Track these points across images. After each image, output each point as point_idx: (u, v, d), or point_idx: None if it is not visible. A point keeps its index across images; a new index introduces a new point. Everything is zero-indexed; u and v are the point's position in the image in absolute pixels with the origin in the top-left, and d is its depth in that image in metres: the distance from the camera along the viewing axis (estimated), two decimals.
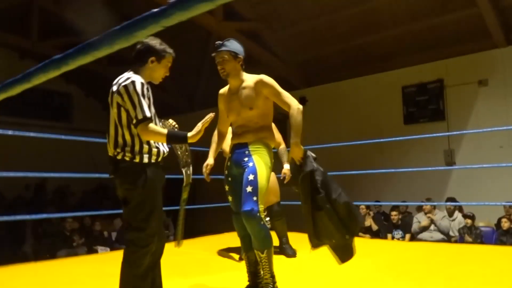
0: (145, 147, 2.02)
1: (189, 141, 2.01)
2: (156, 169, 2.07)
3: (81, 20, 9.11)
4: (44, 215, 3.95)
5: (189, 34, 8.70)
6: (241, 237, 2.48)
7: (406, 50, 7.82)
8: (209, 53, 8.88)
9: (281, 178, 3.66)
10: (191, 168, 2.41)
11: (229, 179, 2.46)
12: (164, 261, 3.50)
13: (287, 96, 2.39)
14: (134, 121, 1.95)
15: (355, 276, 2.88)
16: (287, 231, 3.71)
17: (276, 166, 3.76)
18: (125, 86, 1.96)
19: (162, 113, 2.45)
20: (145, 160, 2.01)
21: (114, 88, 2.00)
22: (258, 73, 2.47)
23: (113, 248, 6.00)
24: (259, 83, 2.37)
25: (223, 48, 2.39)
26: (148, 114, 1.96)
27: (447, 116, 7.40)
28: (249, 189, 2.25)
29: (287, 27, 8.27)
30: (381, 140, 5.70)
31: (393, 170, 5.47)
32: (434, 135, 5.54)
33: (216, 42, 2.43)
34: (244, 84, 2.40)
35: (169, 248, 4.29)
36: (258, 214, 2.23)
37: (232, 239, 4.08)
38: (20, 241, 6.75)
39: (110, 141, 2.04)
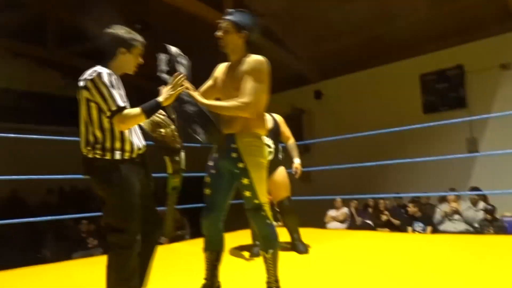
0: (117, 143, 1.93)
1: (164, 104, 1.95)
2: (131, 165, 1.97)
3: (95, 26, 9.25)
4: (50, 217, 3.90)
5: (201, 35, 8.66)
6: (206, 236, 2.32)
7: (423, 37, 7.56)
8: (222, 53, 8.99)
9: (293, 172, 3.58)
10: (182, 154, 2.21)
11: (213, 171, 2.28)
12: (172, 261, 3.48)
13: (250, 89, 2.11)
14: (108, 113, 1.87)
15: (371, 272, 2.74)
16: (298, 227, 3.59)
17: (286, 161, 3.69)
18: (92, 80, 1.88)
19: None
20: (117, 156, 1.92)
21: (81, 83, 1.91)
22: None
23: None
24: (250, 63, 2.17)
25: (229, 17, 2.22)
26: (121, 103, 1.88)
27: (468, 104, 7.12)
28: (247, 193, 2.17)
29: (300, 21, 8.14)
30: (400, 129, 5.47)
31: (411, 160, 5.26)
32: (456, 120, 5.27)
33: (228, 10, 2.27)
34: (241, 61, 2.20)
35: (181, 247, 4.27)
36: (263, 213, 2.17)
37: (244, 237, 4.01)
38: (40, 245, 6.87)
39: (81, 140, 1.95)
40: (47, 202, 10.07)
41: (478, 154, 6.71)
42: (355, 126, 7.69)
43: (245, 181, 2.15)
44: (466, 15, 6.95)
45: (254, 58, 2.20)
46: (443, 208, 5.58)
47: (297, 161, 3.61)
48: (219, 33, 2.24)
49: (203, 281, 2.32)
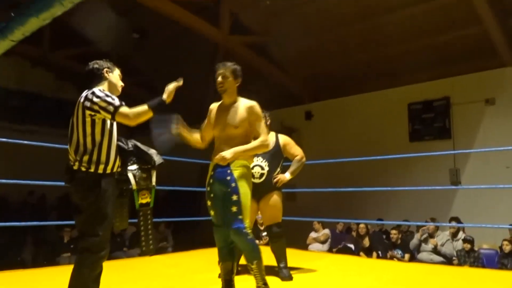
0: (102, 157, 2.14)
1: (167, 101, 2.29)
2: (110, 179, 2.20)
3: (91, 30, 9.28)
4: (34, 223, 3.89)
5: (197, 47, 8.79)
6: (219, 248, 2.62)
7: (412, 67, 7.79)
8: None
9: (273, 181, 3.50)
10: (153, 172, 2.48)
11: (211, 195, 2.60)
12: (156, 273, 3.50)
13: (263, 129, 2.64)
14: (109, 116, 2.10)
15: None
16: (285, 253, 3.42)
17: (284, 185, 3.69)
18: (92, 93, 2.12)
19: None
20: (100, 171, 2.13)
21: (82, 99, 2.14)
22: (252, 96, 2.70)
23: (110, 257, 5.97)
24: (250, 108, 2.60)
25: (228, 65, 2.63)
26: (117, 103, 2.11)
27: (453, 135, 7.31)
28: (234, 209, 2.45)
29: (293, 42, 8.29)
30: (386, 157, 5.62)
31: (395, 188, 5.39)
32: (440, 153, 5.43)
33: (220, 63, 2.67)
34: (236, 104, 2.63)
35: (163, 260, 4.28)
36: (244, 230, 2.44)
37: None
38: (20, 247, 6.76)
39: (71, 147, 2.15)
40: (29, 203, 9.93)
41: (460, 187, 6.86)
42: (343, 149, 7.83)
43: (234, 197, 2.45)
44: (453, 49, 7.20)
45: (253, 104, 2.63)
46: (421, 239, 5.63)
47: (286, 175, 3.55)
48: (219, 80, 2.59)
49: None
